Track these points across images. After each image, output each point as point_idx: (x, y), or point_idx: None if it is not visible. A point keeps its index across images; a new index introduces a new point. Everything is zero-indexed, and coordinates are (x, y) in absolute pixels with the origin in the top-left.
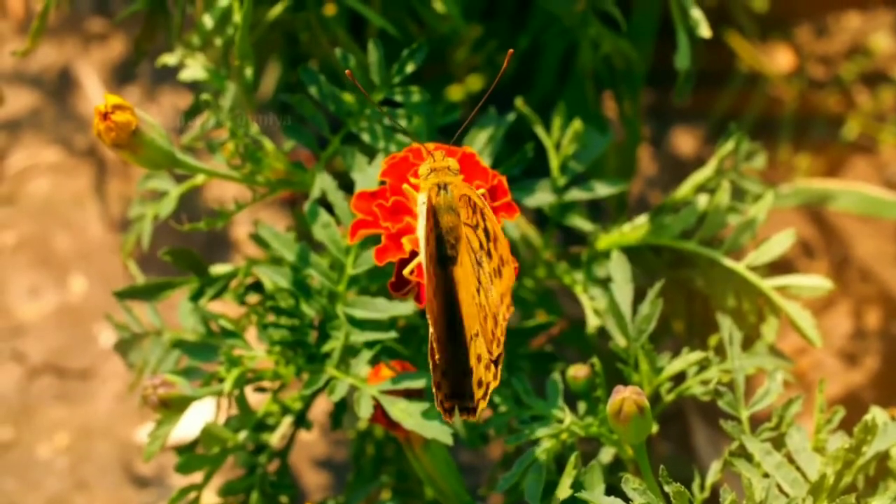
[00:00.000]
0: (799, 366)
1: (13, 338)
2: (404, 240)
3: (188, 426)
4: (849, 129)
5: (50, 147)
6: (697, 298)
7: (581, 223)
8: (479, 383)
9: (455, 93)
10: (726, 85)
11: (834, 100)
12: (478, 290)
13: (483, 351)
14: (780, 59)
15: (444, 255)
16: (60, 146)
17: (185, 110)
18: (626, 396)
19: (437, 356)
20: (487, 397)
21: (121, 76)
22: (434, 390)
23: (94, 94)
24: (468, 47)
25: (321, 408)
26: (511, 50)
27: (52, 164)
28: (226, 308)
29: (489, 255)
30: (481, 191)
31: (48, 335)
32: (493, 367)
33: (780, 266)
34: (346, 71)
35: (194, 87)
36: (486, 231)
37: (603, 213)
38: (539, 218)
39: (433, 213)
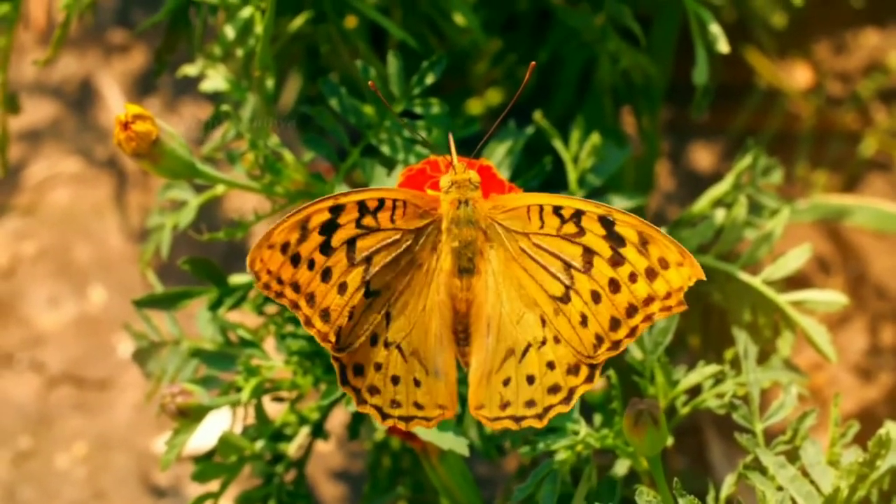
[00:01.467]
0: (814, 381)
1: (32, 347)
2: None
3: (205, 437)
4: (866, 146)
5: (70, 158)
6: (714, 312)
7: None
8: (556, 389)
9: (474, 106)
10: (744, 101)
11: (851, 117)
12: (564, 297)
13: (559, 355)
14: (798, 76)
15: (461, 267)
16: (81, 157)
17: (206, 121)
18: (641, 409)
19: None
20: (572, 402)
21: (142, 87)
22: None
23: (115, 105)
24: (488, 61)
25: (338, 419)
26: (533, 63)
27: (72, 174)
28: (244, 318)
29: (617, 261)
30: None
31: (67, 345)
32: (586, 369)
33: (796, 281)
34: (369, 82)
35: (215, 98)
36: (612, 237)
37: None
38: None
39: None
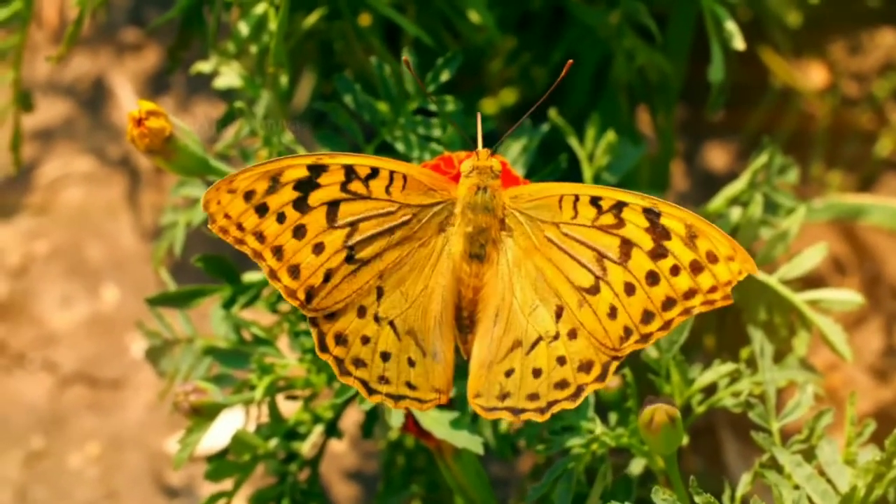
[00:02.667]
0: (830, 381)
1: (45, 347)
2: None
3: (218, 436)
4: (881, 146)
5: (83, 157)
6: (729, 311)
7: None
8: (564, 384)
9: (489, 106)
10: (760, 101)
11: (867, 117)
12: (593, 289)
13: (573, 350)
14: (813, 76)
15: (472, 252)
16: (94, 156)
17: (219, 118)
18: (657, 407)
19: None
20: (579, 400)
21: (155, 86)
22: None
23: (128, 104)
24: (502, 59)
25: (352, 419)
26: (570, 61)
27: (85, 173)
28: (258, 316)
29: (659, 254)
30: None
31: (80, 345)
32: (599, 367)
33: (811, 282)
34: (404, 57)
35: (228, 96)
36: (656, 229)
37: None
38: None
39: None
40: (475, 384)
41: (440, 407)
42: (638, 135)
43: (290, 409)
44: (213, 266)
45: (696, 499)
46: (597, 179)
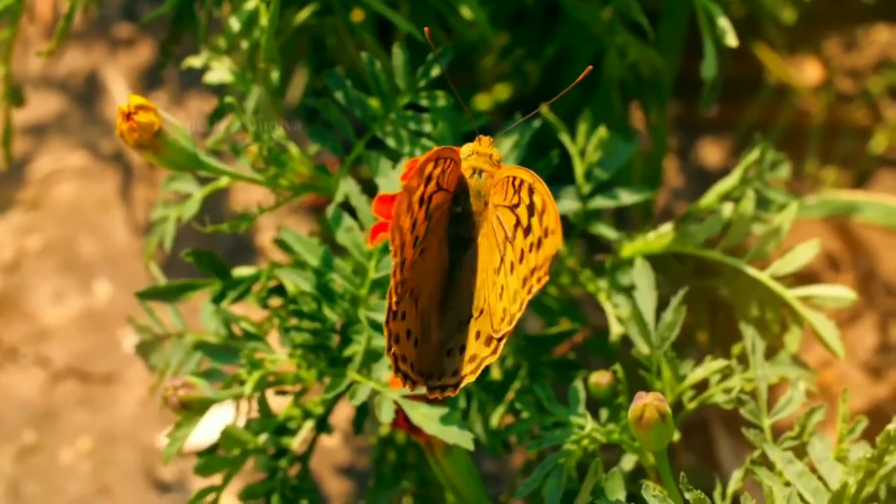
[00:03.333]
0: (822, 378)
1: (37, 342)
2: None
3: (208, 431)
4: (876, 143)
5: (76, 151)
6: (721, 308)
7: (606, 231)
8: (473, 358)
9: (482, 101)
10: (754, 97)
11: (861, 113)
12: (498, 269)
13: (487, 328)
14: (808, 72)
15: (459, 235)
16: (86, 151)
17: (210, 113)
18: (647, 402)
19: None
20: (478, 372)
21: (148, 81)
22: (392, 359)
23: (121, 99)
24: (495, 55)
25: (343, 414)
26: (590, 67)
27: (77, 168)
28: (248, 311)
29: (528, 230)
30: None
31: (72, 340)
32: (495, 342)
33: (804, 278)
34: (426, 28)
35: (220, 91)
36: (530, 206)
37: (628, 222)
38: (564, 226)
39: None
40: (432, 365)
41: (429, 401)
42: (630, 131)
43: (280, 404)
44: (203, 261)
45: (687, 495)
46: (589, 176)
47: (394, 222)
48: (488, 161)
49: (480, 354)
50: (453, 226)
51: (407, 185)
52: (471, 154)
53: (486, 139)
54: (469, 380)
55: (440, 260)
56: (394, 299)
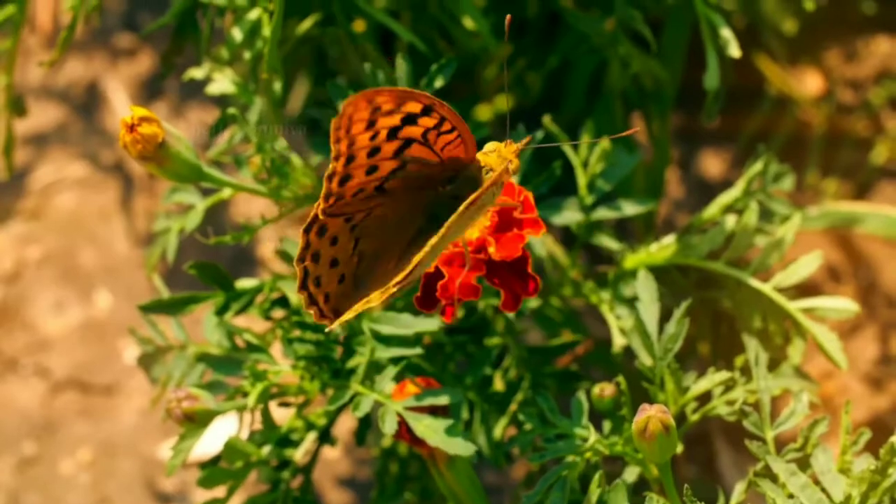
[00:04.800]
0: (825, 390)
1: (37, 353)
2: None
3: (211, 442)
4: (877, 154)
5: (76, 162)
6: (724, 319)
7: (608, 242)
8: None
9: (483, 112)
10: (755, 108)
11: (862, 124)
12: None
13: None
14: (809, 83)
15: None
16: (87, 161)
17: (212, 124)
18: (651, 415)
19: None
20: (358, 310)
21: (148, 92)
22: (302, 272)
23: (122, 110)
24: (497, 66)
25: (346, 426)
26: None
27: (78, 178)
28: (251, 323)
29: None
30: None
31: (72, 350)
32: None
33: (807, 290)
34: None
35: (222, 102)
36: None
37: (630, 233)
38: (566, 237)
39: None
40: None
41: (432, 413)
42: (633, 142)
43: (283, 416)
44: (206, 273)
45: None
46: (591, 187)
47: (342, 121)
48: (504, 166)
49: (372, 301)
50: (435, 204)
51: (375, 91)
52: (493, 151)
53: (513, 146)
54: (343, 319)
55: (403, 221)
56: (321, 206)
